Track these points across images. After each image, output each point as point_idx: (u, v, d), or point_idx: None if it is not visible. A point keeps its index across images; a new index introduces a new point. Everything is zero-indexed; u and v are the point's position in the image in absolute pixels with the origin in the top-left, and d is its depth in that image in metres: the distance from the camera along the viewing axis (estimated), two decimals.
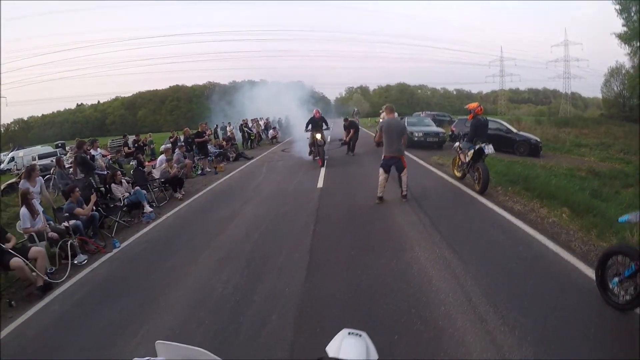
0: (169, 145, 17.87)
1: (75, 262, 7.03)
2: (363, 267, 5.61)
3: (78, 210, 8.11)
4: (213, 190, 12.62)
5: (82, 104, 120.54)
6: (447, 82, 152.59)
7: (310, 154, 16.73)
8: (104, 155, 15.76)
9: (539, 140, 19.17)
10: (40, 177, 9.08)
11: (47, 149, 41.94)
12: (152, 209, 9.94)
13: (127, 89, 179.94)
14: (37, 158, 34.91)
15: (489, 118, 13.37)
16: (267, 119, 31.72)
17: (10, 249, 6.20)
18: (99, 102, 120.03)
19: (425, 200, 9.06)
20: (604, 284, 4.31)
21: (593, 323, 3.95)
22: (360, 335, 1.35)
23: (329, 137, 19.43)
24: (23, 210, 7.19)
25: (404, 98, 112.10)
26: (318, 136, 15.53)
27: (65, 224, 7.49)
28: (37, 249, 6.41)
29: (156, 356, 1.18)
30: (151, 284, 5.79)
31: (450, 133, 20.63)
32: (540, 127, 32.67)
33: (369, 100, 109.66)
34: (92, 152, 11.95)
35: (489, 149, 9.43)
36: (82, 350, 4.25)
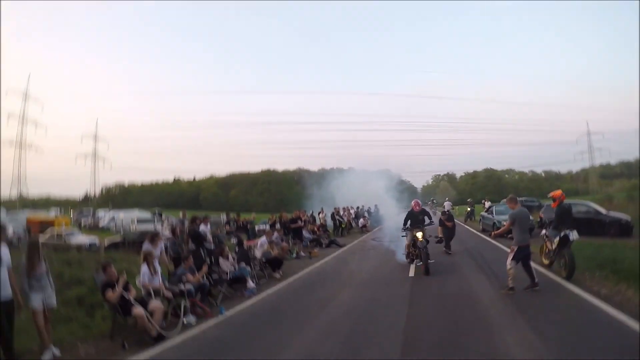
0: (268, 227, 19.09)
1: (185, 321, 7.82)
2: (454, 347, 5.98)
3: (189, 276, 9.07)
4: (309, 273, 13.42)
5: (179, 178, 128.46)
6: (535, 165, 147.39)
7: (407, 256, 13.34)
8: None
9: (629, 219, 18.27)
10: (161, 242, 10.17)
11: (146, 214, 45.12)
12: (254, 285, 10.76)
13: (222, 169, 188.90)
14: (136, 221, 37.61)
15: (575, 201, 16.16)
16: (357, 208, 32.43)
17: (132, 299, 7.19)
18: (194, 178, 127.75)
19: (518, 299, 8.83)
20: None
21: None
22: None
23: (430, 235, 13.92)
24: (144, 268, 8.30)
25: (491, 184, 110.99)
26: (419, 235, 12.42)
27: (182, 287, 8.40)
28: (157, 304, 7.37)
29: None
30: (258, 349, 6.41)
31: (538, 220, 20.35)
32: (634, 204, 30.57)
33: (456, 188, 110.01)
34: (202, 227, 13.03)
35: (573, 235, 9.66)
36: None
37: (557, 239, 9.83)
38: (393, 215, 17.22)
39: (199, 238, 11.90)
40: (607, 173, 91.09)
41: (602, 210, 19.38)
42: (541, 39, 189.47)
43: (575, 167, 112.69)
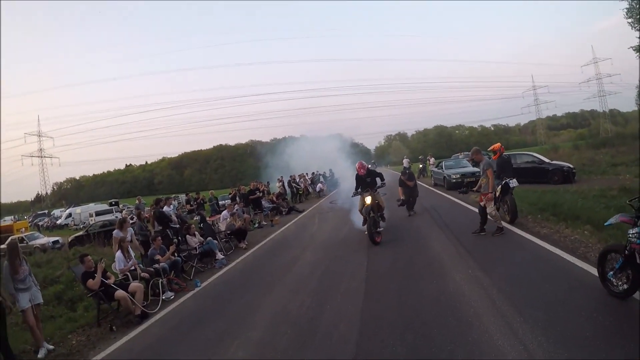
0: (229, 201, 19.89)
1: (164, 297, 8.57)
2: (410, 289, 6.87)
3: (159, 257, 9.69)
4: (273, 240, 14.25)
5: (130, 164, 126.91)
6: (484, 119, 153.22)
7: (364, 223, 11.54)
8: None
9: (571, 166, 19.50)
10: (130, 228, 10.67)
11: (103, 206, 44.92)
12: (223, 256, 11.59)
13: (173, 150, 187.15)
14: (94, 215, 37.43)
15: (520, 152, 18.24)
16: (312, 173, 33.11)
17: (112, 284, 7.79)
18: (146, 162, 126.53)
19: (462, 234, 10.34)
20: (604, 278, 5.39)
21: (596, 310, 5.00)
22: None
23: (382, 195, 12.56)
24: (118, 254, 8.92)
25: (443, 141, 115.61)
26: (367, 199, 11.18)
27: (156, 266, 9.11)
28: (137, 284, 8.03)
29: None
30: (235, 312, 7.22)
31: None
32: (578, 152, 32.23)
33: (408, 146, 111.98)
34: (166, 208, 13.57)
35: (513, 183, 10.55)
36: (189, 357, 5.63)
37: (499, 187, 10.54)
38: (348, 177, 17.77)
39: (164, 219, 12.46)
40: (554, 125, 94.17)
41: (546, 159, 20.62)
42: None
43: (523, 120, 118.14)
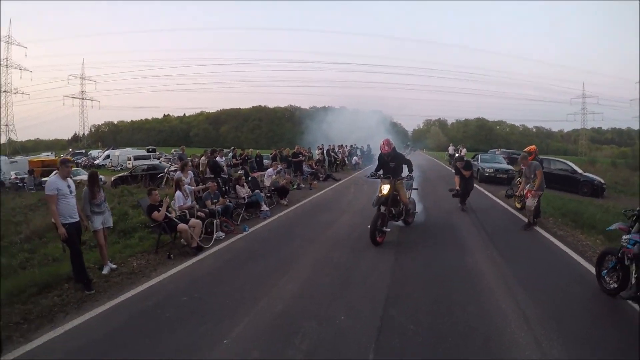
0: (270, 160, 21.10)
1: (216, 237, 9.67)
2: (434, 259, 8.06)
3: (208, 202, 10.73)
4: (312, 202, 15.31)
5: (169, 115, 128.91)
6: (527, 119, 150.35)
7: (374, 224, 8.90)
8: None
9: (602, 181, 20.12)
10: (191, 171, 11.65)
11: (141, 151, 46.52)
12: (268, 208, 12.68)
13: (212, 105, 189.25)
14: (132, 158, 38.83)
15: (556, 158, 19.44)
16: (350, 146, 33.79)
17: (175, 218, 8.75)
18: (184, 114, 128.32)
19: (488, 225, 11.25)
20: (599, 276, 6.41)
21: (587, 299, 6.20)
22: None
23: (411, 193, 11.05)
24: (178, 193, 9.88)
25: (482, 134, 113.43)
26: (385, 189, 9.34)
27: (212, 207, 10.10)
28: (196, 221, 9.06)
29: None
30: (282, 254, 8.33)
31: (519, 170, 21.98)
32: (614, 170, 32.22)
33: (447, 134, 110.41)
34: (218, 159, 14.63)
35: None
36: (244, 284, 6.67)
37: (527, 187, 11.32)
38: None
39: (217, 168, 13.51)
40: (598, 137, 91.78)
41: (579, 170, 21.18)
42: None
43: (567, 127, 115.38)
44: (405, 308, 5.73)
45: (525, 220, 11.33)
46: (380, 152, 10.24)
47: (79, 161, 53.38)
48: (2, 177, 30.67)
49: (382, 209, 9.23)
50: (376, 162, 10.47)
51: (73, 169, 28.54)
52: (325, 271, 7.14)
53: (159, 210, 8.63)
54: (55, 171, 7.44)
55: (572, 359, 4.43)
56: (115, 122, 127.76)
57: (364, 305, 5.84)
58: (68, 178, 7.14)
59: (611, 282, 6.11)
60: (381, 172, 10.00)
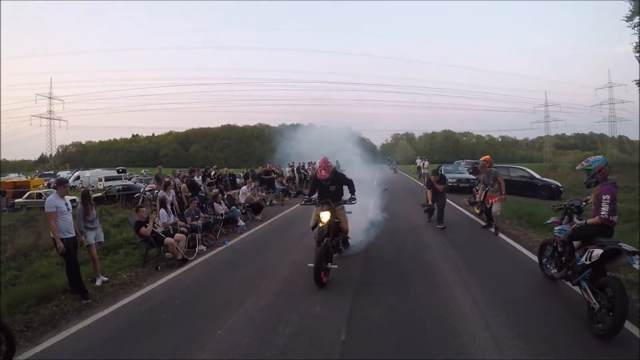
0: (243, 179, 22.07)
1: (198, 250, 10.44)
2: (397, 257, 8.95)
3: (188, 219, 11.47)
4: (285, 216, 16.33)
5: (137, 134, 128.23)
6: (493, 129, 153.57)
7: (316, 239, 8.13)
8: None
9: (559, 185, 21.54)
10: (172, 190, 12.36)
11: (111, 172, 46.58)
12: (244, 223, 13.47)
13: (181, 125, 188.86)
14: (103, 179, 38.98)
15: (515, 166, 21.11)
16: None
17: (160, 233, 9.55)
18: (153, 134, 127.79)
19: (450, 228, 12.46)
20: (541, 264, 7.52)
21: (532, 285, 7.30)
22: None
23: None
24: (162, 211, 10.58)
25: (449, 145, 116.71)
26: (324, 216, 8.07)
27: (193, 223, 10.87)
28: (180, 235, 9.87)
29: None
30: (261, 262, 9.26)
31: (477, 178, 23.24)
32: (575, 173, 33.65)
33: (414, 147, 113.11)
34: (196, 178, 15.40)
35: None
36: (230, 288, 7.50)
37: (484, 193, 12.59)
38: (353, 172, 19.18)
39: (195, 187, 14.23)
40: (562, 144, 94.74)
41: (537, 175, 22.76)
42: (510, 10, 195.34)
43: (532, 135, 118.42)
44: (370, 298, 6.76)
45: (483, 222, 12.70)
46: (315, 175, 9.10)
47: (49, 182, 53.13)
48: None
49: (326, 239, 7.77)
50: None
51: (45, 190, 28.94)
52: (302, 273, 7.98)
53: (146, 226, 9.35)
54: (55, 191, 8.02)
55: (515, 332, 5.30)
56: (84, 143, 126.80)
57: (337, 297, 6.81)
58: (65, 196, 7.74)
59: (551, 268, 7.12)
60: (316, 195, 8.71)
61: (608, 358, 4.62)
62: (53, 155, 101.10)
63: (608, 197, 5.68)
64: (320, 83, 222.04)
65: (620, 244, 5.39)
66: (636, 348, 4.69)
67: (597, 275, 5.52)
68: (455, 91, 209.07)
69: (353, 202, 8.70)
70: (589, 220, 6.04)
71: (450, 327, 5.55)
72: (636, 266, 5.07)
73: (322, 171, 8.40)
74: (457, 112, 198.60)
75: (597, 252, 5.46)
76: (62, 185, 7.88)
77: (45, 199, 25.87)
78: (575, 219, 6.76)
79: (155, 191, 18.66)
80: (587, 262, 5.62)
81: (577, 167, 6.86)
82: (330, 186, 8.53)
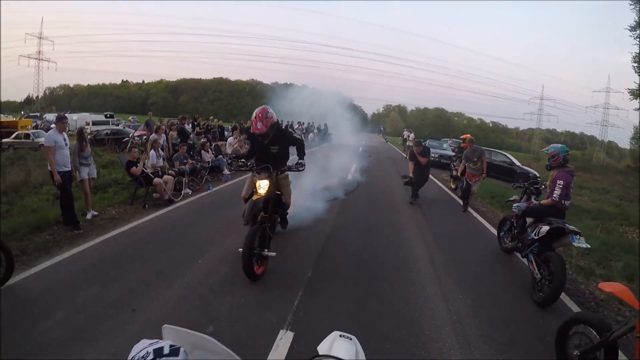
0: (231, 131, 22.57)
1: (183, 193, 11.10)
2: (369, 215, 9.86)
3: (176, 163, 12.02)
4: None
5: (127, 80, 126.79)
6: (485, 114, 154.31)
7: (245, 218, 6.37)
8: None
9: (537, 175, 21.76)
10: (164, 134, 12.86)
11: (99, 117, 46.46)
12: (229, 172, 14.10)
13: (172, 74, 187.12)
14: (90, 123, 38.99)
15: (497, 150, 21.05)
16: (308, 124, 34.94)
17: (150, 174, 10.17)
18: (143, 81, 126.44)
19: (425, 201, 12.92)
20: (499, 238, 8.33)
21: (486, 254, 8.11)
22: (350, 339, 1.58)
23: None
24: (152, 152, 11.12)
25: (440, 123, 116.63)
26: (263, 186, 6.28)
27: (181, 167, 11.44)
28: (168, 177, 10.48)
29: (162, 339, 1.28)
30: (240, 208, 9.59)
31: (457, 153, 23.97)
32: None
33: (405, 120, 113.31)
34: (186, 126, 15.86)
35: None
36: (212, 226, 8.18)
37: (463, 168, 13.05)
38: (340, 136, 19.65)
39: (185, 134, 14.71)
40: (552, 139, 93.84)
41: (517, 162, 23.50)
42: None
43: (523, 126, 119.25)
44: (339, 245, 7.69)
45: (457, 198, 13.60)
46: (249, 128, 8.07)
47: (36, 124, 53.02)
48: None
49: (261, 214, 6.14)
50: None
51: (33, 130, 29.07)
52: None
53: (136, 166, 9.91)
54: (53, 126, 8.46)
55: (463, 288, 6.07)
56: (72, 86, 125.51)
57: (310, 241, 7.68)
58: (63, 132, 8.24)
59: (507, 241, 7.97)
60: (252, 161, 6.81)
61: (541, 321, 5.28)
62: (40, 97, 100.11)
63: (562, 182, 6.36)
64: (317, 45, 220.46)
65: (565, 223, 6.06)
66: (565, 316, 5.04)
67: (544, 250, 6.19)
68: (453, 71, 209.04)
69: (301, 168, 6.72)
70: (542, 201, 6.83)
71: (406, 280, 6.32)
72: (575, 244, 5.79)
73: (258, 123, 6.25)
74: (452, 91, 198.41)
75: (545, 228, 6.19)
76: (61, 122, 8.34)
77: (32, 139, 26.50)
78: (532, 199, 7.56)
79: (144, 137, 19.16)
80: (535, 237, 6.37)
81: (541, 149, 7.68)
82: (272, 147, 6.65)
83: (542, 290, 5.79)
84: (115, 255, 6.62)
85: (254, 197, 6.20)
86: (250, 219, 6.05)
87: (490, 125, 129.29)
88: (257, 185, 6.27)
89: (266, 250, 6.00)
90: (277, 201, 6.78)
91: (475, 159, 12.23)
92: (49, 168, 8.04)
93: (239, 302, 5.13)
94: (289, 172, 6.95)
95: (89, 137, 26.35)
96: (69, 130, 37.62)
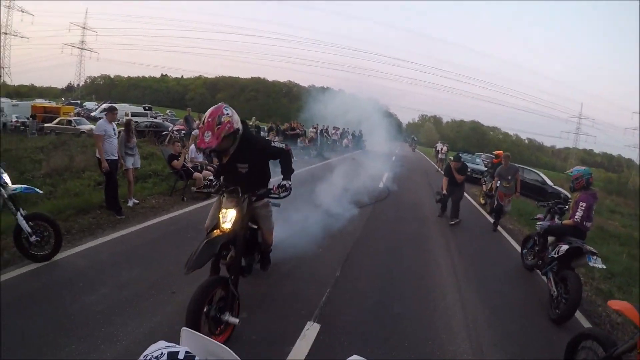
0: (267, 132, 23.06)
1: None
2: (397, 224, 10.21)
3: (215, 160, 12.44)
4: (300, 173, 16.79)
5: (166, 75, 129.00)
6: (521, 130, 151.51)
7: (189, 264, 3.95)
8: None
9: (569, 196, 21.62)
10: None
11: (138, 109, 47.69)
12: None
13: (210, 71, 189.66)
14: (130, 114, 39.93)
15: (531, 168, 20.98)
16: (343, 129, 35.33)
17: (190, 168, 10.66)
18: (182, 76, 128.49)
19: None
20: (522, 255, 8.55)
21: (512, 270, 8.38)
22: None
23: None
24: (192, 147, 11.57)
25: (475, 137, 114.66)
26: (229, 217, 4.39)
27: None
28: (207, 172, 10.93)
29: (180, 340, 1.35)
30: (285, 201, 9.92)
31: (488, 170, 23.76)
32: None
33: (440, 131, 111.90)
34: None
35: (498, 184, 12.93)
36: None
37: (489, 184, 13.50)
38: (374, 143, 19.86)
39: None
40: (588, 159, 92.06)
41: (549, 182, 23.17)
42: (559, 14, 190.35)
43: (559, 144, 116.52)
44: (367, 248, 8.13)
45: (486, 215, 13.68)
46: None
47: (77, 111, 54.55)
48: (3, 118, 31.26)
49: (225, 255, 4.49)
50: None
51: (75, 117, 30.13)
52: (312, 221, 8.90)
53: (177, 159, 10.39)
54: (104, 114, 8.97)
55: (481, 299, 6.35)
56: (112, 76, 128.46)
57: (340, 244, 7.99)
58: (113, 122, 8.78)
59: (530, 258, 8.19)
60: (217, 182, 4.97)
61: (554, 337, 5.46)
62: (80, 85, 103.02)
63: (584, 204, 6.55)
64: (355, 51, 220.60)
65: (584, 244, 6.30)
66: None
67: (562, 269, 6.39)
68: (490, 84, 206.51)
69: (284, 194, 4.65)
70: (565, 221, 7.05)
71: (428, 287, 6.63)
72: (590, 264, 6.04)
73: (206, 134, 4.17)
74: (489, 105, 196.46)
75: (564, 247, 6.40)
76: (111, 112, 9.00)
77: (74, 126, 27.47)
78: (556, 218, 7.83)
79: (183, 131, 19.76)
80: (555, 256, 6.57)
81: (565, 172, 7.84)
82: (239, 165, 4.66)
83: (558, 307, 5.99)
84: (155, 240, 7.14)
85: (214, 234, 4.39)
86: (198, 265, 3.88)
87: (526, 141, 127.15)
88: (221, 214, 4.49)
89: (228, 313, 4.13)
90: (251, 239, 5.06)
91: (509, 177, 11.81)
92: (96, 155, 8.59)
93: (271, 293, 5.53)
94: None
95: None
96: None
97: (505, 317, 5.86)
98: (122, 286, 5.21)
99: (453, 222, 11.35)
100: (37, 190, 6.44)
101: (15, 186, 5.88)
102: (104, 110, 37.06)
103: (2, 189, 5.60)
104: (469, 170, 20.36)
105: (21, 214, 5.72)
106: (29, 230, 5.73)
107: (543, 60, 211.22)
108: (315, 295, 5.67)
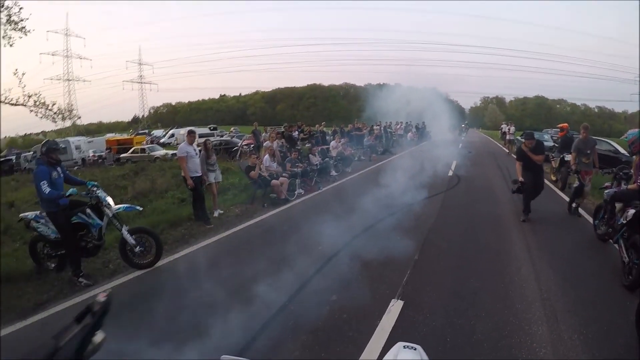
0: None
1: (297, 192, 12.26)
2: (470, 207, 10.34)
3: (288, 165, 13.19)
4: (372, 170, 17.72)
5: (225, 95, 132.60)
6: (589, 99, 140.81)
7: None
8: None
9: None
10: (276, 141, 14.26)
11: (204, 129, 49.88)
12: (336, 173, 15.25)
13: (266, 85, 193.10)
14: (197, 136, 41.62)
15: (601, 138, 18.72)
16: (406, 123, 35.34)
17: (267, 176, 11.41)
18: (240, 94, 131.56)
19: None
20: (594, 225, 8.32)
21: (585, 241, 8.22)
22: (415, 349, 1.53)
23: None
24: (266, 157, 12.38)
25: (542, 113, 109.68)
26: None
27: (293, 169, 12.65)
28: (283, 179, 11.69)
29: None
30: (353, 202, 10.55)
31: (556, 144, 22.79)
32: None
33: (505, 112, 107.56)
34: (293, 133, 17.23)
35: (568, 157, 12.53)
36: (328, 219, 8.78)
37: (558, 160, 13.18)
38: (439, 133, 19.92)
39: (292, 140, 16.02)
40: None
41: (622, 150, 22.16)
42: None
43: (632, 108, 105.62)
44: (442, 233, 8.46)
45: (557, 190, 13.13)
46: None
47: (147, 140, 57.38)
48: (82, 154, 35.59)
49: None
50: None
51: (148, 145, 32.23)
52: (388, 212, 9.51)
53: (254, 170, 11.24)
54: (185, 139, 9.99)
55: (554, 269, 6.59)
56: (174, 104, 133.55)
57: (416, 230, 8.41)
58: (193, 144, 9.73)
59: (601, 228, 7.98)
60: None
61: (628, 302, 5.29)
62: (145, 116, 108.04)
63: None
64: (406, 43, 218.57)
65: None
66: None
67: (632, 234, 6.23)
68: (550, 54, 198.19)
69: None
70: (629, 186, 7.01)
71: (503, 262, 6.91)
72: None
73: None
74: (550, 77, 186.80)
75: (631, 212, 6.31)
76: (190, 135, 9.95)
77: (148, 153, 29.35)
78: (622, 184, 7.73)
79: (252, 145, 20.75)
80: (624, 221, 6.47)
81: (621, 137, 7.60)
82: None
83: (631, 273, 5.82)
84: (245, 243, 7.96)
85: None
86: None
87: (596, 110, 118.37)
88: None
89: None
90: None
91: (588, 152, 10.33)
92: (182, 174, 9.63)
93: (356, 278, 6.06)
94: None
95: (200, 149, 28.71)
96: (177, 143, 41.03)
97: (579, 285, 5.98)
98: (222, 283, 5.87)
99: (523, 218, 9.45)
100: (137, 207, 7.46)
101: (118, 206, 6.95)
102: (172, 135, 39.47)
103: (107, 209, 6.57)
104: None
105: (125, 229, 6.64)
106: (133, 242, 6.62)
107: (595, 20, 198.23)
108: (397, 276, 6.16)
